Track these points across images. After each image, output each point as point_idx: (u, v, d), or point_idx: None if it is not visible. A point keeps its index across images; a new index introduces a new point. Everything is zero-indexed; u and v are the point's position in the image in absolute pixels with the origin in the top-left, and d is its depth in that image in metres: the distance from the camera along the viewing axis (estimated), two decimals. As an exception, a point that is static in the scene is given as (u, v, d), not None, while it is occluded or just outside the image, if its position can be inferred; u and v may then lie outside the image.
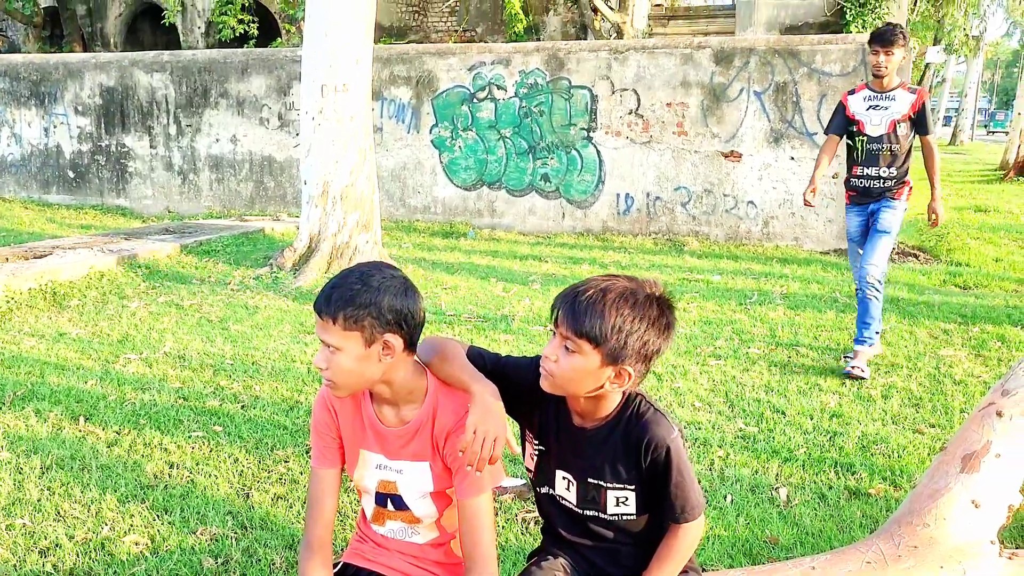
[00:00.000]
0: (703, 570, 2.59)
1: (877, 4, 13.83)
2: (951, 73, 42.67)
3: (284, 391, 4.34)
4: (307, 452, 3.54)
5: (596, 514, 1.94)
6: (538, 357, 1.89)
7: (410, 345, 1.82)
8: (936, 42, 28.08)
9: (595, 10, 15.97)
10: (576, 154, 9.93)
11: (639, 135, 9.68)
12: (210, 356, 4.94)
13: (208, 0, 18.56)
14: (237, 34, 16.93)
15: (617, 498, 1.91)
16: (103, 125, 11.95)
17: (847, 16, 14.09)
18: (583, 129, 9.85)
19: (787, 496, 3.25)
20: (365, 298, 1.74)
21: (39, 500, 3.09)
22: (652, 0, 18.49)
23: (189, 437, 3.70)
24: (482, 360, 1.98)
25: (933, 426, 3.99)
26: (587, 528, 1.97)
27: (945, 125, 46.95)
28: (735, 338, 5.48)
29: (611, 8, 15.88)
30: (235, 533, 2.89)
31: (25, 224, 10.28)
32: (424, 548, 2.00)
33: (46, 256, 6.92)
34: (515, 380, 1.96)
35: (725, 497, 3.22)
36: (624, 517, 1.93)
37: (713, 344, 5.33)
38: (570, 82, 9.81)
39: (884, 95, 4.80)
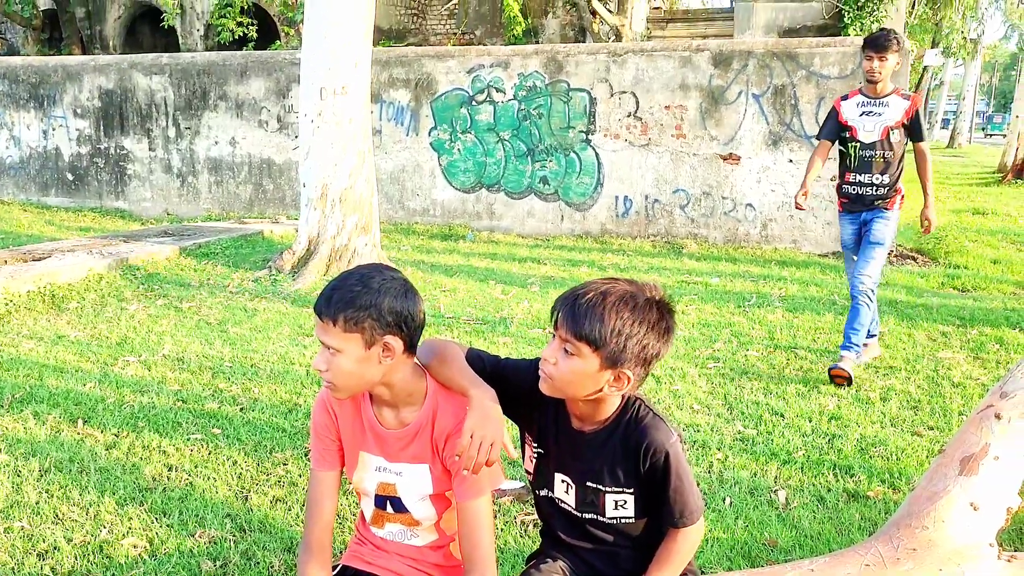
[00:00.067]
0: (702, 573, 2.59)
1: (875, 7, 13.86)
2: (949, 76, 42.73)
3: (283, 394, 4.33)
4: (306, 455, 3.54)
5: (595, 517, 1.95)
6: (538, 360, 1.89)
7: (410, 347, 1.82)
8: (934, 45, 28.13)
9: (594, 13, 16.00)
10: (575, 157, 9.94)
11: (638, 138, 9.69)
12: (209, 358, 4.93)
13: (207, 3, 18.57)
14: (236, 37, 16.94)
15: (616, 502, 1.91)
16: (102, 127, 11.95)
17: (845, 19, 14.12)
18: (582, 132, 9.86)
19: (786, 499, 3.25)
20: (365, 300, 1.74)
21: (37, 503, 3.08)
22: (651, 3, 18.51)
23: (188, 440, 3.70)
24: (481, 362, 1.98)
25: (932, 428, 3.99)
26: (586, 531, 1.97)
27: (943, 128, 47.02)
28: (734, 340, 5.48)
29: (610, 11, 15.90)
30: (233, 536, 2.88)
31: (24, 226, 10.28)
32: (423, 550, 2.00)
33: (45, 258, 6.91)
34: (514, 382, 1.96)
35: (724, 499, 3.22)
36: (623, 520, 1.93)
37: (711, 346, 5.33)
38: (569, 85, 9.82)
39: (878, 101, 4.75)
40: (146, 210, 11.88)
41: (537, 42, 16.80)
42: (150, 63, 11.69)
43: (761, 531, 2.98)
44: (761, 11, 14.81)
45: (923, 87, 33.03)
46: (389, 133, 10.62)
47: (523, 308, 6.34)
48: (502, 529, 2.94)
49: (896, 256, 8.69)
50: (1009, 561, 2.38)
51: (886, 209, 4.78)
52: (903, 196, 4.87)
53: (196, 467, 3.42)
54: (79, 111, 12.02)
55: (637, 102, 9.62)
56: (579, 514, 1.96)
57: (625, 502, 1.91)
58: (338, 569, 2.02)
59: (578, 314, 1.75)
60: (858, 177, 4.83)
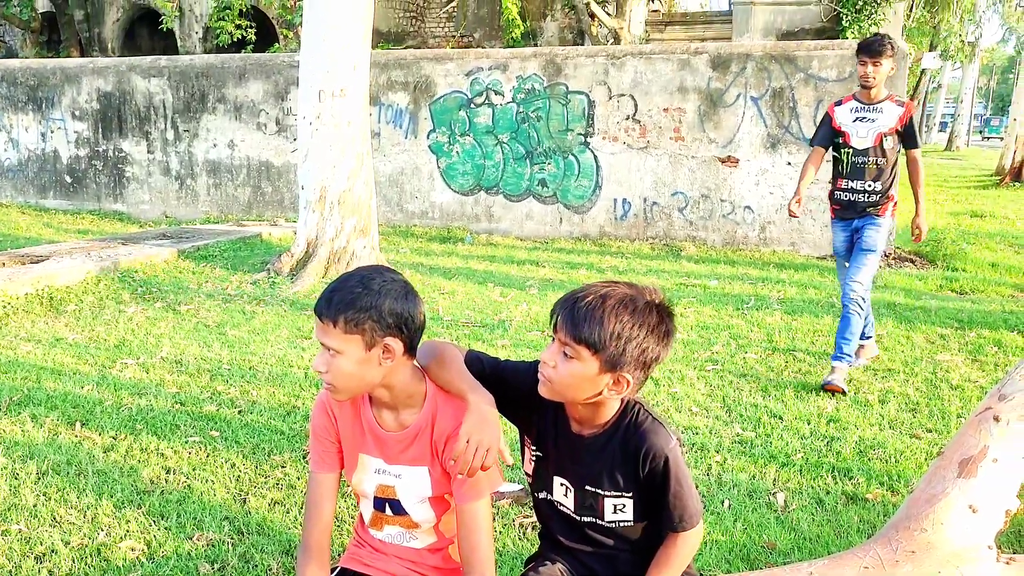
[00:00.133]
0: (701, 575, 2.59)
1: (873, 10, 13.89)
2: (947, 79, 42.86)
3: (281, 396, 4.33)
4: (304, 457, 3.54)
5: (594, 521, 1.94)
6: (537, 362, 1.89)
7: (410, 349, 1.82)
8: (932, 48, 28.19)
9: (592, 16, 16.02)
10: (573, 159, 9.94)
11: (636, 140, 9.69)
12: (207, 361, 4.93)
13: (206, 5, 18.58)
14: (235, 39, 16.94)
15: (615, 505, 1.91)
16: (100, 130, 11.95)
17: (843, 22, 14.14)
18: (580, 134, 9.87)
19: (785, 501, 3.25)
20: (366, 301, 1.74)
21: (35, 506, 3.08)
22: (649, 6, 18.54)
23: (186, 442, 3.69)
24: (480, 364, 1.98)
25: (930, 431, 3.99)
26: (585, 534, 1.97)
27: (941, 131, 47.11)
28: (732, 343, 5.48)
29: (608, 14, 15.92)
30: (232, 538, 2.88)
31: (22, 229, 10.27)
32: (422, 553, 1.99)
33: (43, 261, 6.91)
34: (513, 384, 1.96)
35: (723, 502, 3.22)
36: (622, 524, 1.93)
37: (710, 349, 5.33)
38: (567, 87, 9.83)
39: (871, 107, 4.69)
40: (144, 212, 11.88)
41: (535, 45, 16.82)
42: (148, 65, 11.69)
43: (760, 533, 2.98)
44: (759, 14, 14.84)
45: (921, 90, 33.08)
46: (388, 136, 10.62)
47: (522, 311, 6.34)
48: (500, 531, 2.94)
49: (895, 259, 8.70)
50: (1008, 563, 2.38)
51: (878, 216, 4.74)
52: (896, 203, 4.82)
53: (194, 470, 3.41)
54: (77, 113, 12.02)
55: (636, 105, 9.63)
56: (578, 517, 1.96)
57: (624, 506, 1.91)
58: (337, 571, 2.02)
59: (577, 317, 1.74)
60: (850, 183, 4.77)
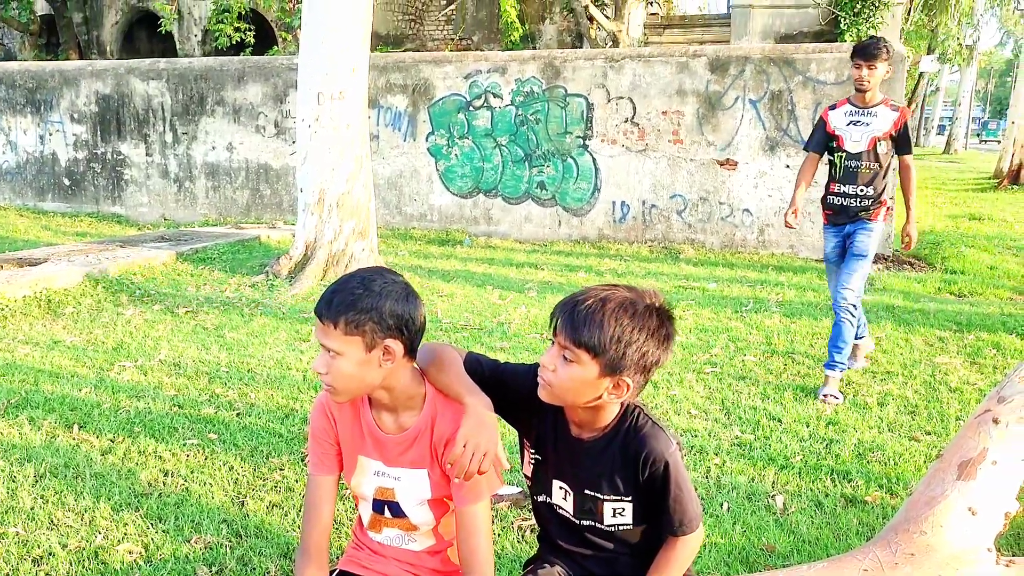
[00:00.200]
0: (700, 578, 2.58)
1: (871, 13, 13.91)
2: (945, 82, 42.92)
3: (280, 399, 4.32)
4: (302, 460, 3.53)
5: (593, 524, 1.94)
6: (537, 365, 1.88)
7: (410, 351, 1.81)
8: (930, 51, 28.25)
9: (591, 19, 16.03)
10: (572, 162, 9.95)
11: (635, 143, 9.70)
12: (205, 364, 4.92)
13: (205, 8, 18.59)
14: (233, 42, 16.96)
15: (614, 509, 1.90)
16: (99, 133, 11.95)
17: (841, 25, 14.16)
18: (579, 137, 9.87)
19: (784, 504, 3.25)
20: (367, 303, 1.73)
21: (32, 508, 3.07)
22: (648, 9, 18.56)
23: (184, 445, 3.69)
24: (480, 366, 1.97)
25: (929, 433, 3.99)
26: (584, 538, 1.96)
27: (939, 134, 47.18)
28: (731, 346, 5.48)
29: (607, 17, 15.94)
30: (230, 541, 2.87)
31: (20, 231, 10.27)
32: (421, 555, 1.99)
33: (41, 263, 6.90)
34: (513, 387, 1.95)
35: (722, 505, 3.22)
36: (621, 528, 1.92)
37: (709, 352, 5.33)
38: (566, 90, 9.83)
39: (866, 111, 4.63)
40: (143, 215, 11.87)
41: (534, 48, 16.84)
42: (147, 68, 11.68)
43: (759, 536, 2.98)
44: (758, 17, 14.86)
45: (919, 93, 33.14)
46: (386, 138, 10.62)
47: (520, 313, 6.34)
48: (499, 534, 2.93)
49: (893, 262, 8.71)
50: (1007, 566, 2.38)
51: (870, 221, 4.67)
52: (889, 208, 4.77)
53: (192, 472, 3.41)
54: (76, 116, 12.01)
55: (634, 107, 9.64)
56: (577, 521, 1.95)
57: (623, 510, 1.90)
58: (335, 573, 2.01)
59: (577, 321, 1.73)
60: (843, 188, 4.70)
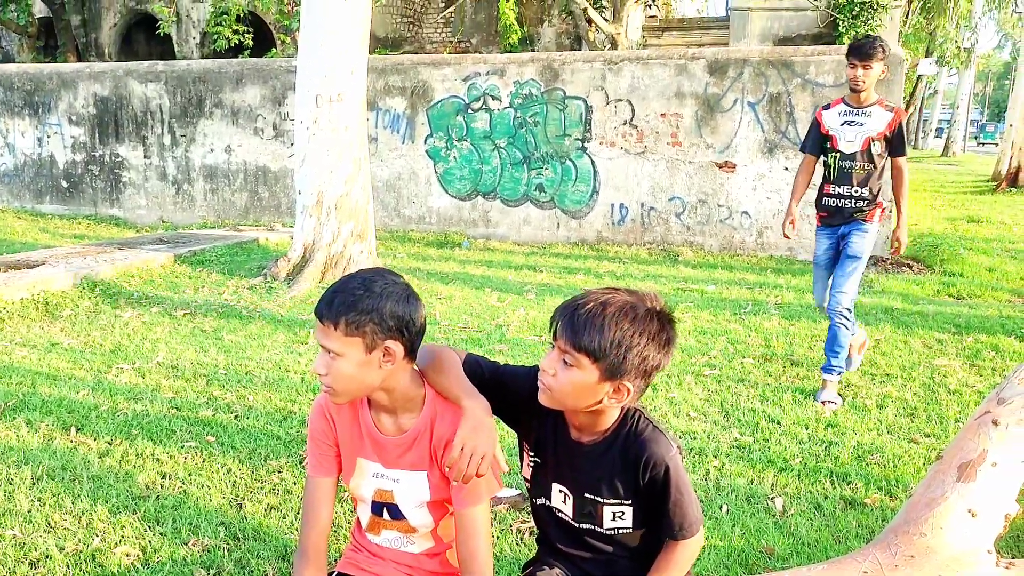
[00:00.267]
0: (699, 580, 2.58)
1: (870, 16, 13.93)
2: (943, 85, 42.94)
3: (278, 401, 4.32)
4: (301, 462, 3.53)
5: (593, 528, 1.93)
6: (536, 367, 1.88)
7: (411, 352, 1.81)
8: (928, 54, 28.29)
9: (589, 21, 16.03)
10: (571, 164, 9.95)
11: (633, 145, 9.70)
12: (203, 366, 4.91)
13: (203, 11, 18.59)
14: (232, 44, 16.94)
15: (614, 513, 1.89)
16: (97, 135, 11.94)
17: (840, 28, 14.17)
18: (578, 139, 9.87)
19: (783, 506, 3.24)
20: (367, 304, 1.72)
21: (29, 511, 3.06)
22: (646, 12, 18.57)
23: (182, 447, 3.68)
24: (479, 368, 1.96)
25: (928, 436, 3.99)
26: (583, 541, 1.96)
27: (937, 137, 47.24)
28: (730, 348, 5.48)
29: (605, 19, 15.94)
30: (227, 544, 2.86)
31: (18, 234, 10.25)
32: (419, 558, 1.98)
33: (39, 266, 6.89)
34: (512, 389, 1.94)
35: (721, 507, 3.21)
36: (621, 531, 1.92)
37: (708, 354, 5.32)
38: (565, 93, 9.83)
39: (860, 111, 4.56)
40: (141, 218, 11.86)
41: (533, 50, 16.84)
42: (146, 70, 11.68)
43: (758, 539, 2.97)
44: (756, 20, 14.87)
45: (917, 96, 33.19)
46: (385, 141, 10.62)
47: (519, 316, 6.33)
48: (498, 536, 2.92)
49: (892, 264, 8.71)
50: (1007, 568, 2.38)
51: (865, 221, 4.59)
52: (884, 210, 4.68)
53: (190, 475, 3.40)
54: (74, 118, 12.00)
55: (633, 110, 9.64)
56: (577, 524, 1.94)
57: (623, 513, 1.89)
58: (333, 576, 2.01)
59: (577, 325, 1.72)
60: (837, 189, 4.62)
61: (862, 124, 4.54)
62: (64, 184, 12.23)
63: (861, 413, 4.29)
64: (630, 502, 1.88)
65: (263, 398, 4.35)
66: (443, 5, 17.95)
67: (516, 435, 2.06)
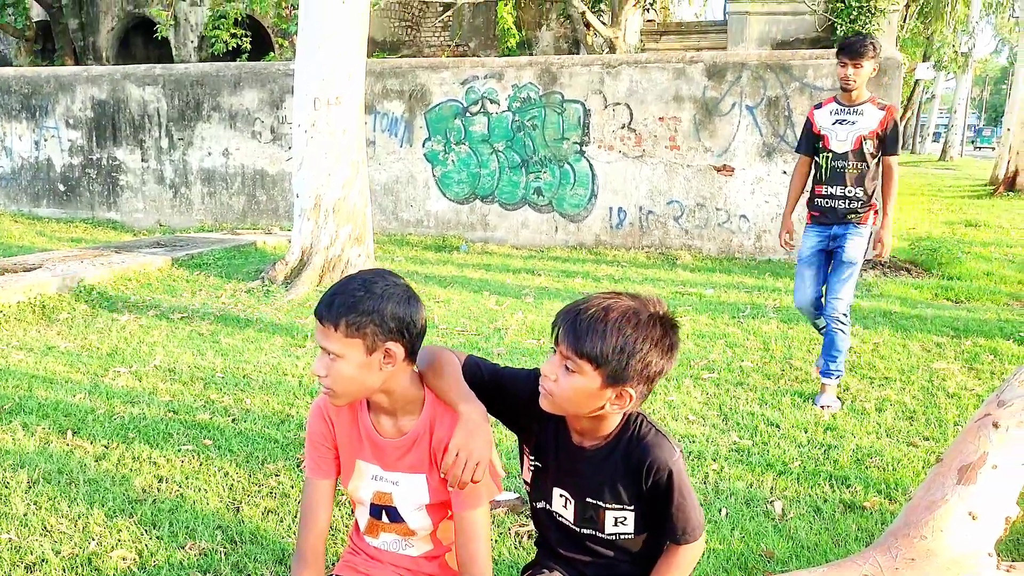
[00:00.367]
0: (699, 584, 2.56)
1: (867, 20, 13.97)
2: (940, 90, 43.03)
3: (275, 404, 4.30)
4: (298, 465, 3.51)
5: (594, 533, 1.91)
6: (536, 370, 1.86)
7: (411, 354, 1.79)
8: (926, 58, 28.35)
9: (588, 25, 16.05)
10: (569, 168, 9.95)
11: (632, 149, 9.70)
12: (200, 369, 4.90)
13: (201, 15, 18.61)
14: (230, 48, 16.95)
15: (616, 518, 1.88)
16: (94, 138, 11.92)
17: (838, 32, 14.23)
18: (576, 143, 9.87)
19: (782, 509, 3.23)
20: (368, 305, 1.71)
21: (25, 515, 3.04)
22: (644, 16, 18.60)
23: (179, 451, 3.66)
24: (479, 370, 1.95)
25: (927, 439, 3.98)
26: (584, 546, 1.94)
27: (935, 141, 47.36)
28: (728, 351, 5.47)
29: (604, 23, 15.97)
30: (224, 548, 2.85)
31: (15, 237, 10.23)
32: (418, 561, 1.97)
33: (35, 269, 6.87)
34: (512, 392, 1.93)
35: (720, 511, 3.20)
36: (622, 537, 1.90)
37: (706, 357, 5.32)
38: (563, 96, 9.84)
39: (852, 109, 4.46)
40: (138, 221, 11.85)
41: (531, 54, 16.86)
42: (143, 74, 11.67)
43: (757, 542, 2.96)
44: (754, 24, 14.90)
45: (915, 100, 33.26)
46: (383, 144, 10.62)
47: (517, 319, 6.32)
48: (496, 540, 2.91)
49: (890, 267, 8.71)
50: (1008, 571, 2.37)
51: (859, 224, 4.51)
52: (878, 211, 4.60)
53: (187, 478, 3.38)
54: (71, 122, 11.99)
55: (631, 113, 9.64)
56: (578, 529, 1.93)
57: (625, 519, 1.88)
58: (331, 579, 2.00)
59: (580, 330, 1.70)
60: (829, 189, 4.53)
61: (854, 123, 4.47)
62: (61, 187, 12.22)
63: (860, 416, 4.28)
64: (632, 507, 1.86)
65: (260, 401, 4.34)
66: (441, 9, 17.96)
67: (516, 438, 2.05)
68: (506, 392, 1.93)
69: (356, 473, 1.93)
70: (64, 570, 2.69)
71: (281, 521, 3.05)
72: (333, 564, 2.13)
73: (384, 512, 1.93)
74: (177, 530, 2.95)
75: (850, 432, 4.05)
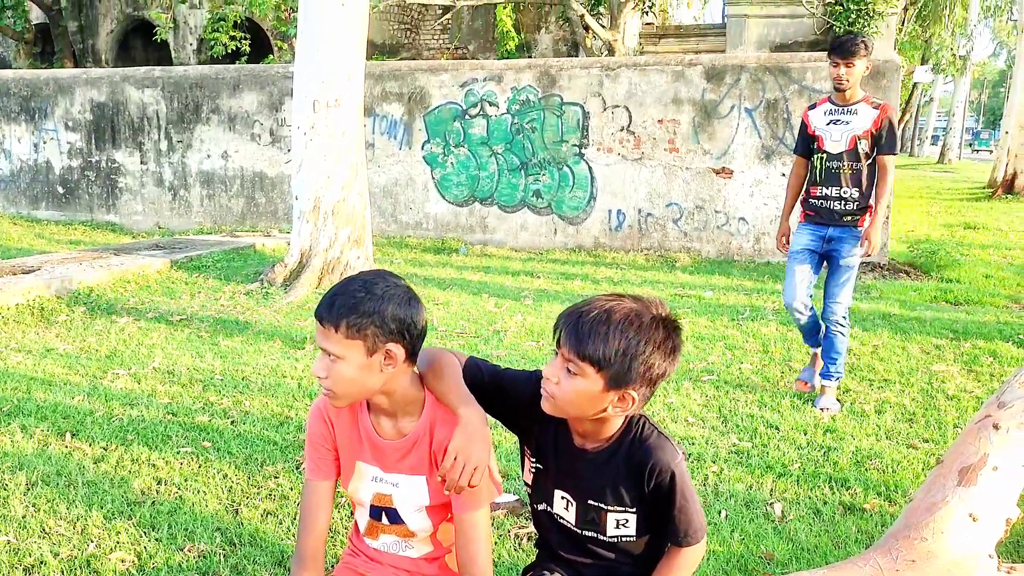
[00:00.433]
0: (699, 586, 2.56)
1: (866, 23, 13.98)
2: (939, 93, 43.10)
3: (274, 406, 4.29)
4: (297, 468, 3.51)
5: (595, 535, 1.91)
6: (537, 372, 1.85)
7: (412, 355, 1.79)
8: (924, 62, 28.41)
9: (587, 28, 16.06)
10: (568, 170, 9.95)
11: (631, 151, 9.71)
12: (199, 371, 4.89)
13: (200, 17, 18.61)
14: (229, 51, 16.96)
15: (618, 520, 1.87)
16: (93, 141, 11.92)
17: (836, 34, 14.21)
18: (575, 145, 9.88)
19: (782, 511, 3.23)
20: (369, 306, 1.71)
21: (24, 517, 3.03)
22: (643, 19, 18.62)
23: (177, 453, 3.66)
24: (479, 372, 1.95)
25: (927, 441, 3.98)
26: (586, 548, 1.94)
27: (933, 144, 47.45)
28: (728, 353, 5.47)
29: (602, 26, 15.98)
30: (223, 550, 2.84)
31: (13, 240, 10.23)
32: (418, 563, 1.96)
33: (34, 271, 6.87)
34: (512, 394, 1.92)
35: (720, 513, 3.20)
36: (624, 539, 1.89)
37: (706, 359, 5.31)
38: (562, 99, 9.84)
39: (846, 109, 4.40)
40: (137, 223, 11.84)
41: (530, 57, 16.87)
42: (142, 76, 11.67)
43: (757, 544, 2.96)
44: (753, 27, 14.91)
45: (913, 103, 33.31)
46: (382, 147, 10.62)
47: (516, 321, 6.32)
48: (496, 542, 2.91)
49: (889, 270, 8.71)
50: (1008, 573, 2.37)
51: (857, 227, 4.46)
52: (878, 213, 4.53)
53: (186, 480, 3.38)
54: (71, 124, 11.99)
55: (630, 116, 9.65)
56: (579, 531, 1.92)
57: (627, 521, 1.87)
58: (331, 581, 1.99)
59: (582, 333, 1.69)
60: (824, 190, 4.48)
61: (848, 123, 4.42)
62: (60, 190, 12.21)
63: (860, 418, 4.28)
64: (634, 510, 1.86)
65: (259, 403, 4.33)
66: (440, 12, 17.97)
67: (517, 439, 2.05)
68: (507, 394, 1.93)
69: (356, 474, 1.93)
70: (63, 572, 2.68)
71: (280, 523, 3.04)
72: (333, 566, 2.13)
73: (384, 514, 1.93)
74: (176, 532, 2.95)
75: (850, 434, 4.05)
